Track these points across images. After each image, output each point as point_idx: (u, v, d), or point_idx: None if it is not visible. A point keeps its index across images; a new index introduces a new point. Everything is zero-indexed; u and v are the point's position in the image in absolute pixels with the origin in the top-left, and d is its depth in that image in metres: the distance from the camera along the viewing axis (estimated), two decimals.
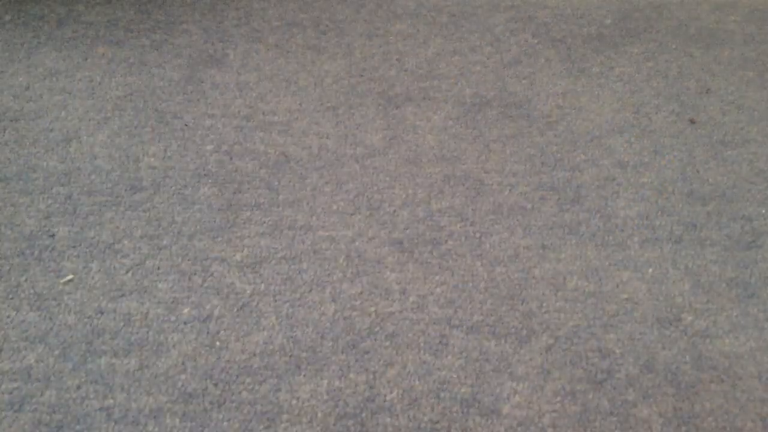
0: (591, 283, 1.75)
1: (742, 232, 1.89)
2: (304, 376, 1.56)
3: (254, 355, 1.59)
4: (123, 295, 1.71)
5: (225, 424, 1.48)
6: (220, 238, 1.84)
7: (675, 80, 2.39)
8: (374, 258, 1.80)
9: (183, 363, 1.58)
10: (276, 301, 1.70)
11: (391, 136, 2.15)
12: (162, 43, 2.51)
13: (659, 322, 1.67)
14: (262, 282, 1.74)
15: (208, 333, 1.64)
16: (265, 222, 1.89)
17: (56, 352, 1.59)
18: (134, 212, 1.91)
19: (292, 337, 1.63)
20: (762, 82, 2.39)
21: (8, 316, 1.66)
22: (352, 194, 1.97)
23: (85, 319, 1.66)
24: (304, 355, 1.60)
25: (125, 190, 1.97)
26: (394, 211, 1.92)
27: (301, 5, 2.72)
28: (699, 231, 1.89)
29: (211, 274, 1.76)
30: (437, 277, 1.76)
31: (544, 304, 1.71)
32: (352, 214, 1.91)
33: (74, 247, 1.82)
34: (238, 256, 1.80)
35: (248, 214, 1.91)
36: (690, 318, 1.69)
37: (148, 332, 1.63)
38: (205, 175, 2.01)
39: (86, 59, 2.43)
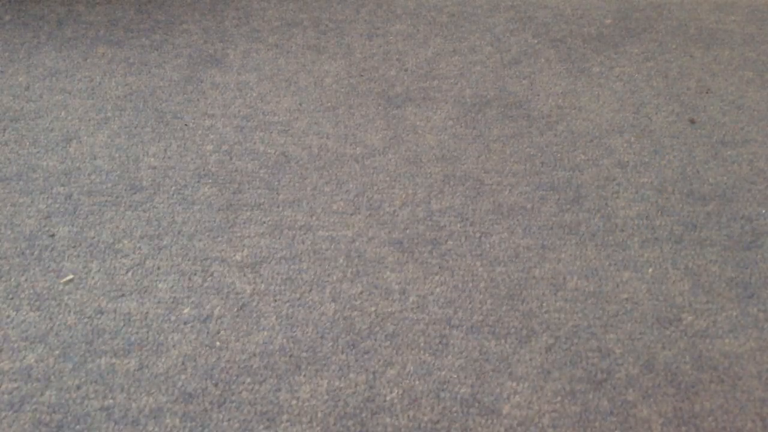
0: (591, 283, 1.75)
1: (742, 232, 1.89)
2: (304, 376, 1.56)
3: (254, 355, 1.59)
4: (123, 295, 1.71)
5: (225, 424, 1.48)
6: (220, 238, 1.84)
7: (675, 80, 2.39)
8: (374, 258, 1.80)
9: (183, 363, 1.58)
10: (276, 301, 1.70)
11: (391, 136, 2.15)
12: (162, 43, 2.51)
13: (659, 322, 1.67)
14: (262, 282, 1.74)
15: (208, 333, 1.64)
16: (265, 222, 1.89)
17: (56, 352, 1.59)
18: (134, 212, 1.91)
19: (292, 337, 1.63)
20: (762, 82, 2.39)
21: (8, 316, 1.66)
22: (352, 194, 1.97)
23: (85, 319, 1.66)
24: (304, 355, 1.60)
25: (125, 190, 1.97)
26: (394, 211, 1.92)
27: (301, 5, 2.71)
28: (699, 231, 1.89)
29: (211, 274, 1.76)
30: (437, 277, 1.76)
31: (544, 304, 1.71)
32: (352, 214, 1.91)
33: (74, 247, 1.82)
34: (238, 256, 1.80)
35: (248, 214, 1.91)
36: (690, 318, 1.69)
37: (148, 332, 1.63)
38: (205, 175, 2.01)
39: (86, 59, 2.43)
